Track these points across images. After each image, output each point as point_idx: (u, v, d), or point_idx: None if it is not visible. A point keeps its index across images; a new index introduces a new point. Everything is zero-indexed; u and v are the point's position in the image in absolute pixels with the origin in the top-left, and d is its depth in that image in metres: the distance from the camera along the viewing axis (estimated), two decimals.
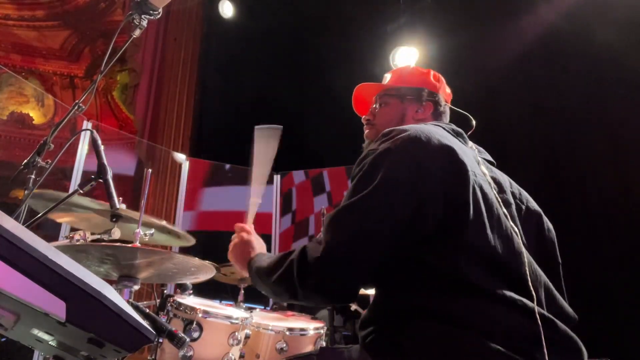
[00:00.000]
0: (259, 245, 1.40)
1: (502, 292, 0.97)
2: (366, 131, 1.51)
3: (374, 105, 1.52)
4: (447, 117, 1.51)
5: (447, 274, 0.99)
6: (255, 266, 1.26)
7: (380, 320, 1.09)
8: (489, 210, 1.07)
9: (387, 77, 1.57)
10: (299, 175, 5.25)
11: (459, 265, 0.98)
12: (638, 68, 2.94)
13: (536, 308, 0.97)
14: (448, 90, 1.56)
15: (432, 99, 1.47)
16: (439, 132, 1.19)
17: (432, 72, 1.54)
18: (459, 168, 1.08)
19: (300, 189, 5.22)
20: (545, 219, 1.29)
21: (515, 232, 1.10)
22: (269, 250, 1.40)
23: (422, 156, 1.07)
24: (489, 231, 1.04)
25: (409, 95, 1.48)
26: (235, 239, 1.43)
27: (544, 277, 1.11)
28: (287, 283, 1.08)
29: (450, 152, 1.10)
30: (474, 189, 1.07)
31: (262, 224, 4.94)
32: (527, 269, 1.03)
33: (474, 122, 1.49)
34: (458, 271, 0.98)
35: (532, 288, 1.00)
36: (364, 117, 1.54)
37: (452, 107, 1.54)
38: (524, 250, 1.07)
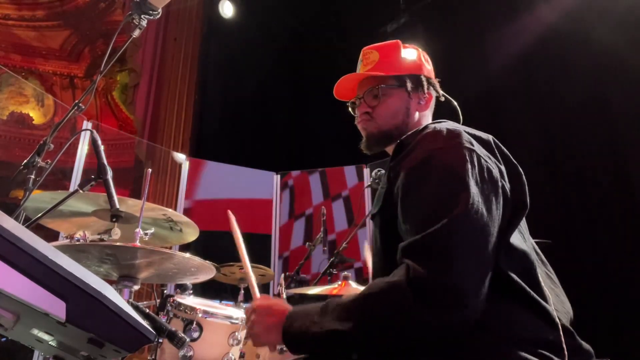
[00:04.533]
0: (281, 305, 1.06)
1: (532, 298, 0.95)
2: (366, 123, 1.30)
3: (371, 96, 1.30)
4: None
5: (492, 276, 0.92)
6: (311, 331, 0.93)
7: None
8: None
9: (372, 56, 1.34)
10: (298, 176, 5.25)
11: (501, 265, 0.94)
12: (638, 68, 2.94)
13: (556, 315, 0.95)
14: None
15: (432, 88, 1.34)
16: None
17: (421, 53, 1.37)
18: (516, 171, 1.08)
19: (300, 190, 5.21)
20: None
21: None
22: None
23: (493, 159, 1.04)
24: (525, 233, 1.05)
25: (410, 84, 1.30)
26: (251, 316, 1.07)
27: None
28: (411, 326, 0.86)
29: (505, 154, 1.09)
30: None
31: (262, 225, 4.94)
32: (539, 274, 1.01)
33: (460, 117, 1.38)
34: (500, 273, 0.94)
35: (547, 294, 0.98)
36: (362, 110, 1.31)
37: (447, 96, 1.40)
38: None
